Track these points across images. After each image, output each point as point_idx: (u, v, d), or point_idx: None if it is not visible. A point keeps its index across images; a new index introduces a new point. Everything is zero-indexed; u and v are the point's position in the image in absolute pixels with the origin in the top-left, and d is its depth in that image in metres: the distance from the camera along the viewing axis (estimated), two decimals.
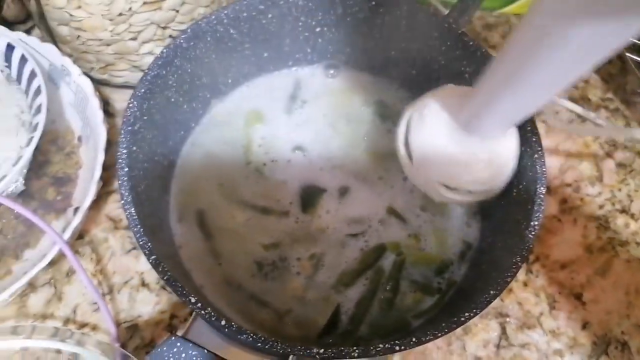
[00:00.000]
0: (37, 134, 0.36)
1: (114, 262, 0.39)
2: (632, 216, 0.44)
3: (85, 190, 0.38)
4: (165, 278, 0.27)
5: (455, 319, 0.27)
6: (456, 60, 0.38)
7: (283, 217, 0.37)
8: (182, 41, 0.35)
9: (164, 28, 0.42)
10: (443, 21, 0.37)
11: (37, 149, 0.36)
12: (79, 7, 0.39)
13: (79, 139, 0.43)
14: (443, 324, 0.27)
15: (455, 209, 0.38)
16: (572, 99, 0.48)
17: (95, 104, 0.40)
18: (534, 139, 0.33)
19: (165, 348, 0.27)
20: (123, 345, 0.35)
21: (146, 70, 0.34)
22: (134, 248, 0.39)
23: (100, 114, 0.40)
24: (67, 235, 0.34)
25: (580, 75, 0.25)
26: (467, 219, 0.38)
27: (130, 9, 0.39)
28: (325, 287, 0.35)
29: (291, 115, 0.42)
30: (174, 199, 0.38)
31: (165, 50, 0.34)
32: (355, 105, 0.42)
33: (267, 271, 0.35)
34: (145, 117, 0.33)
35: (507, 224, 0.33)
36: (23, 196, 0.38)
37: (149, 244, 0.28)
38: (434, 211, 0.38)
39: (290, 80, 0.43)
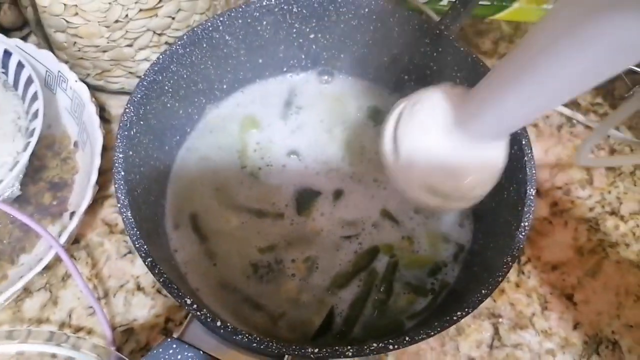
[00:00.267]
0: (34, 139, 0.36)
1: (110, 266, 0.39)
2: (622, 218, 0.45)
3: (81, 195, 0.38)
4: (161, 280, 0.27)
5: (448, 317, 0.27)
6: (448, 66, 0.38)
7: (278, 220, 0.37)
8: (178, 47, 0.36)
9: (159, 35, 0.43)
10: (435, 28, 0.37)
11: (33, 154, 0.36)
12: (76, 14, 0.40)
13: (75, 144, 0.43)
14: (436, 323, 0.27)
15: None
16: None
17: (92, 109, 0.41)
18: (523, 142, 0.33)
19: (161, 350, 0.27)
20: (119, 349, 0.35)
21: (143, 76, 0.34)
22: (130, 252, 0.40)
23: (96, 119, 0.40)
24: (63, 239, 0.34)
25: (598, 82, 0.23)
26: (459, 220, 0.38)
27: (126, 16, 0.40)
28: (320, 289, 0.35)
29: (286, 121, 0.42)
30: (169, 203, 0.38)
31: (161, 56, 0.35)
32: (349, 110, 0.43)
33: (262, 273, 0.36)
34: (141, 122, 0.34)
35: (498, 226, 0.34)
36: (19, 201, 0.39)
37: (145, 246, 0.28)
38: (427, 213, 0.38)
39: (284, 87, 0.44)
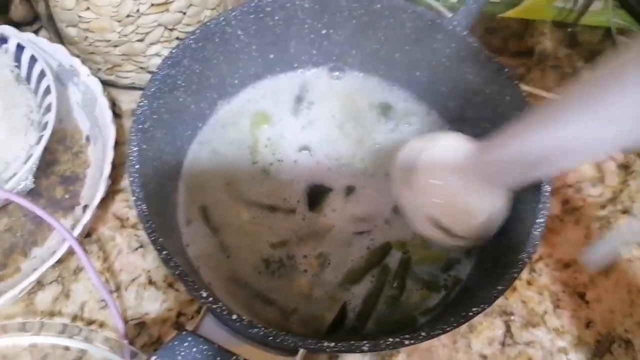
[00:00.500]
0: (47, 132, 0.36)
1: (121, 260, 0.39)
2: (634, 217, 0.44)
3: (93, 189, 0.38)
4: (177, 273, 0.27)
5: (464, 313, 0.27)
6: (460, 62, 0.38)
7: (290, 215, 0.37)
8: (191, 42, 0.36)
9: (171, 30, 0.43)
10: (447, 24, 0.37)
11: (45, 148, 0.36)
12: (88, 8, 0.40)
13: (87, 138, 0.43)
14: (452, 319, 0.27)
15: None
16: None
17: (104, 103, 0.41)
18: None
19: (176, 343, 0.27)
20: (131, 342, 0.35)
21: (156, 70, 0.34)
22: (141, 246, 0.40)
23: (109, 113, 0.40)
24: (76, 232, 0.35)
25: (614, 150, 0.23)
26: None
27: (138, 10, 0.40)
28: (332, 285, 0.35)
29: (297, 116, 0.42)
30: (181, 198, 0.38)
31: (174, 51, 0.35)
32: (360, 106, 0.43)
33: (274, 269, 0.36)
34: (154, 116, 0.34)
35: (512, 223, 0.34)
36: (31, 194, 0.39)
37: (160, 239, 0.28)
38: None
39: (296, 82, 0.44)
